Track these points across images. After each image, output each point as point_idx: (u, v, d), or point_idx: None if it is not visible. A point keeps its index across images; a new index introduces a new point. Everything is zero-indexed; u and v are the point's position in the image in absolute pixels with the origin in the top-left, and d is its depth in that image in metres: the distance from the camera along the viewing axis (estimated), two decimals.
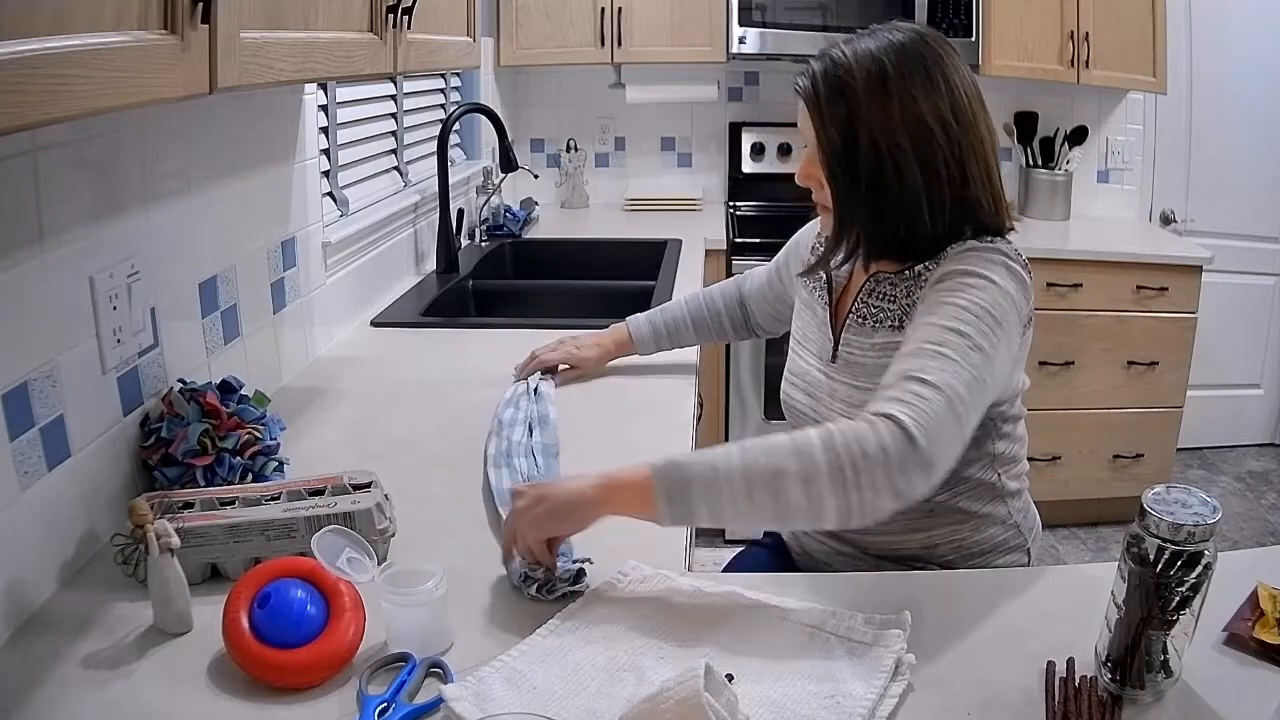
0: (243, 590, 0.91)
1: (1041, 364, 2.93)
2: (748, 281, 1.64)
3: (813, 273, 1.31)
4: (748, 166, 3.43)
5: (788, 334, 1.44)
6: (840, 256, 1.21)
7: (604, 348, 1.69)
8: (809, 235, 1.44)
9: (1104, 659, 0.87)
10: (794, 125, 1.24)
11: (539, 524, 1.01)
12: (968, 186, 1.15)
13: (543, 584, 1.01)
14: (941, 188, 1.14)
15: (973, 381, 1.00)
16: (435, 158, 2.44)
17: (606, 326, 1.71)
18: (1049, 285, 2.88)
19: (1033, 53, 3.05)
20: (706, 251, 2.85)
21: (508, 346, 1.78)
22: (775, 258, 1.56)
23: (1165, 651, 0.85)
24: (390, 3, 1.28)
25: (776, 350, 3.00)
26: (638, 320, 1.69)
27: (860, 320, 1.22)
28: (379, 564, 0.97)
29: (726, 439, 3.08)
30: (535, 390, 1.57)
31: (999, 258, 1.12)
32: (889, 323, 1.18)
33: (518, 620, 0.98)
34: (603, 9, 3.08)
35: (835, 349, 1.25)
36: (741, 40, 3.04)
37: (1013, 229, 1.20)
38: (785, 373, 1.37)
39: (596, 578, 1.04)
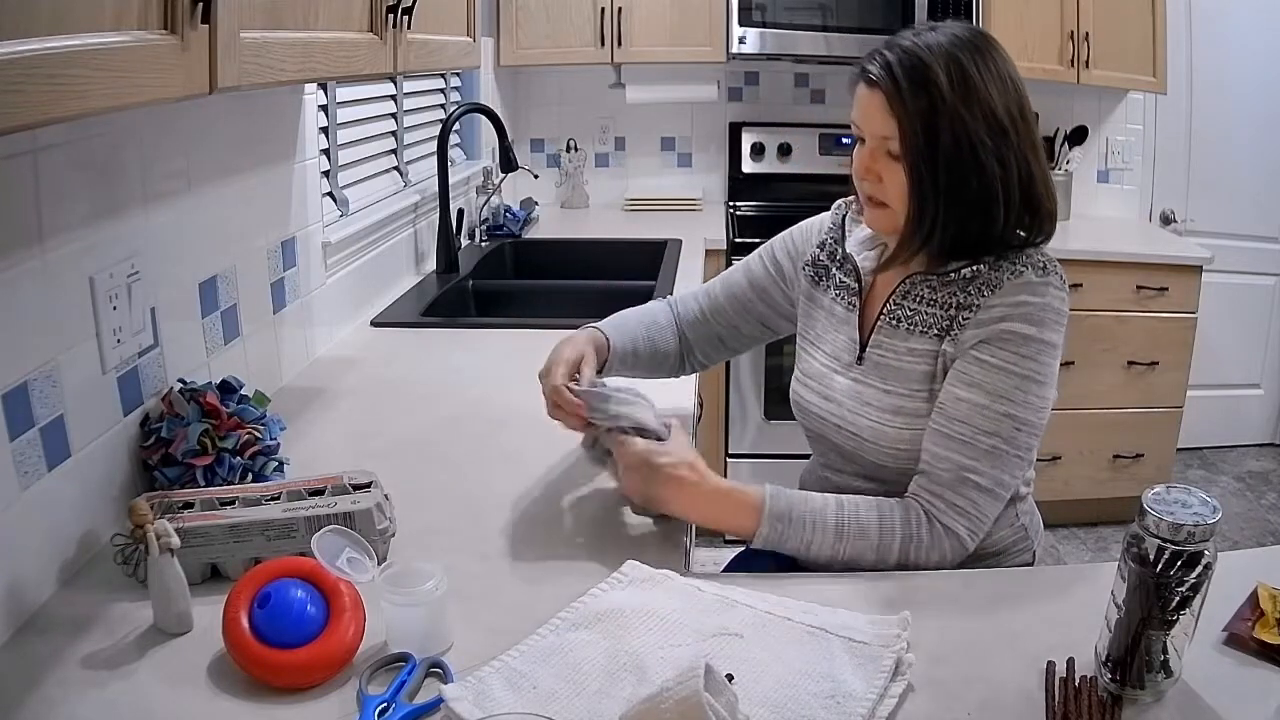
0: (243, 590, 0.91)
1: None
2: (679, 305, 1.45)
3: (884, 270, 1.23)
4: (748, 166, 3.42)
5: (790, 334, 1.40)
6: (909, 252, 1.16)
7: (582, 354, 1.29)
8: (818, 231, 1.37)
9: (1104, 659, 0.87)
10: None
11: (636, 488, 1.12)
12: (1034, 183, 1.16)
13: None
14: (1013, 185, 1.14)
15: (1017, 461, 1.12)
16: (435, 158, 2.44)
17: None
18: None
19: (1033, 52, 3.05)
20: (706, 252, 2.84)
21: (508, 346, 1.78)
22: (750, 259, 1.42)
23: (1165, 651, 0.85)
24: (390, 3, 1.28)
25: (776, 351, 3.01)
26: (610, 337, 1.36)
27: (894, 323, 1.20)
28: (379, 564, 0.97)
29: (726, 439, 3.09)
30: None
31: (1052, 300, 1.13)
32: (929, 329, 1.16)
33: (518, 620, 0.97)
34: (603, 9, 3.08)
35: (862, 351, 1.23)
36: (741, 40, 3.04)
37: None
38: (795, 373, 1.33)
39: (596, 577, 1.04)
